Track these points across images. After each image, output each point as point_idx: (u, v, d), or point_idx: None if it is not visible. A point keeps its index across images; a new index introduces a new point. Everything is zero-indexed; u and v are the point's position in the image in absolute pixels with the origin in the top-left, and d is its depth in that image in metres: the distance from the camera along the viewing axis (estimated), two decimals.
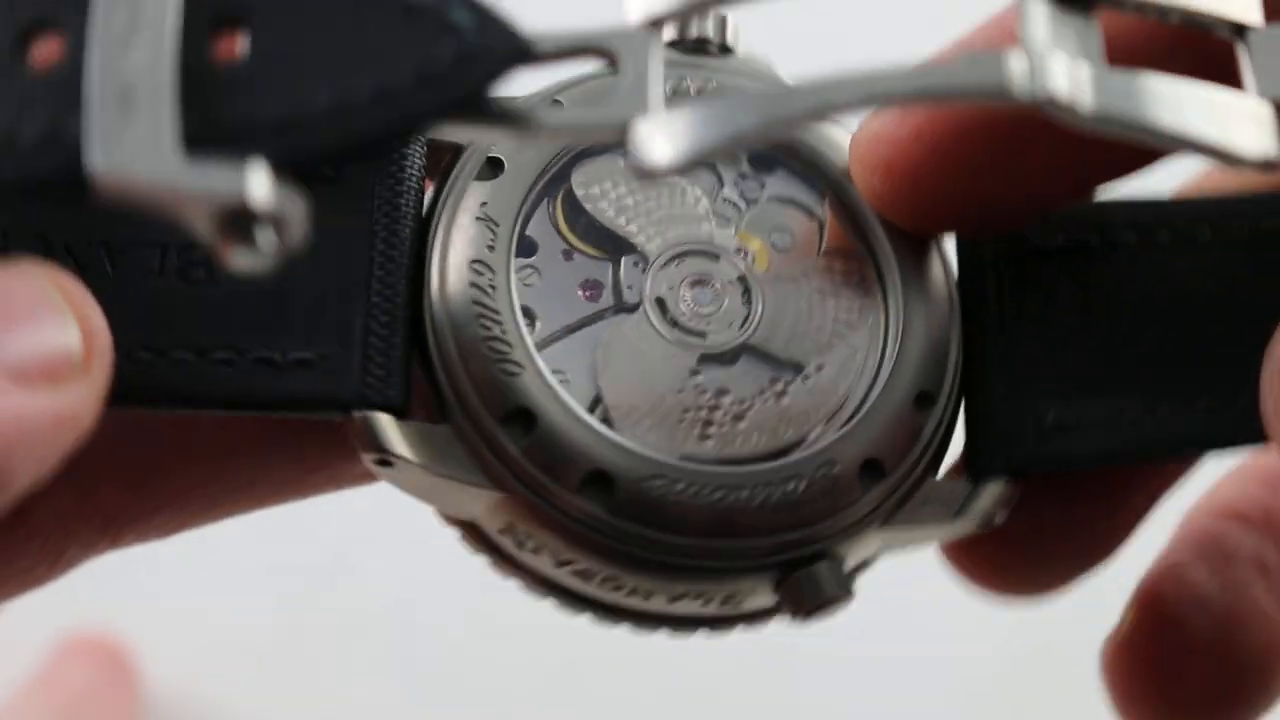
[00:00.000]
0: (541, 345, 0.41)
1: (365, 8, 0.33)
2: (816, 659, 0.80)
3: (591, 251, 0.43)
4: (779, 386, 0.42)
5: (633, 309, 0.42)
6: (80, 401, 0.37)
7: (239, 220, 0.31)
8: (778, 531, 0.40)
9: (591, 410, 0.41)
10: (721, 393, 0.42)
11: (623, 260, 0.43)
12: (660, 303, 0.42)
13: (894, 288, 0.43)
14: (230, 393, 0.39)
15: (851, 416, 0.41)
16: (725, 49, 0.43)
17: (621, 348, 0.42)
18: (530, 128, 0.36)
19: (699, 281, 0.42)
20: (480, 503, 0.41)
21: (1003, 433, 0.42)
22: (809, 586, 0.41)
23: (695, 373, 0.42)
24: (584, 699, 0.81)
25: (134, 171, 0.31)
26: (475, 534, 0.42)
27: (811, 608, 0.41)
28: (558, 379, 0.41)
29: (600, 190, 0.43)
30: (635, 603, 0.42)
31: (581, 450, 0.40)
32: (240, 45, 0.33)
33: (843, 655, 0.79)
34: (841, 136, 0.44)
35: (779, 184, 0.44)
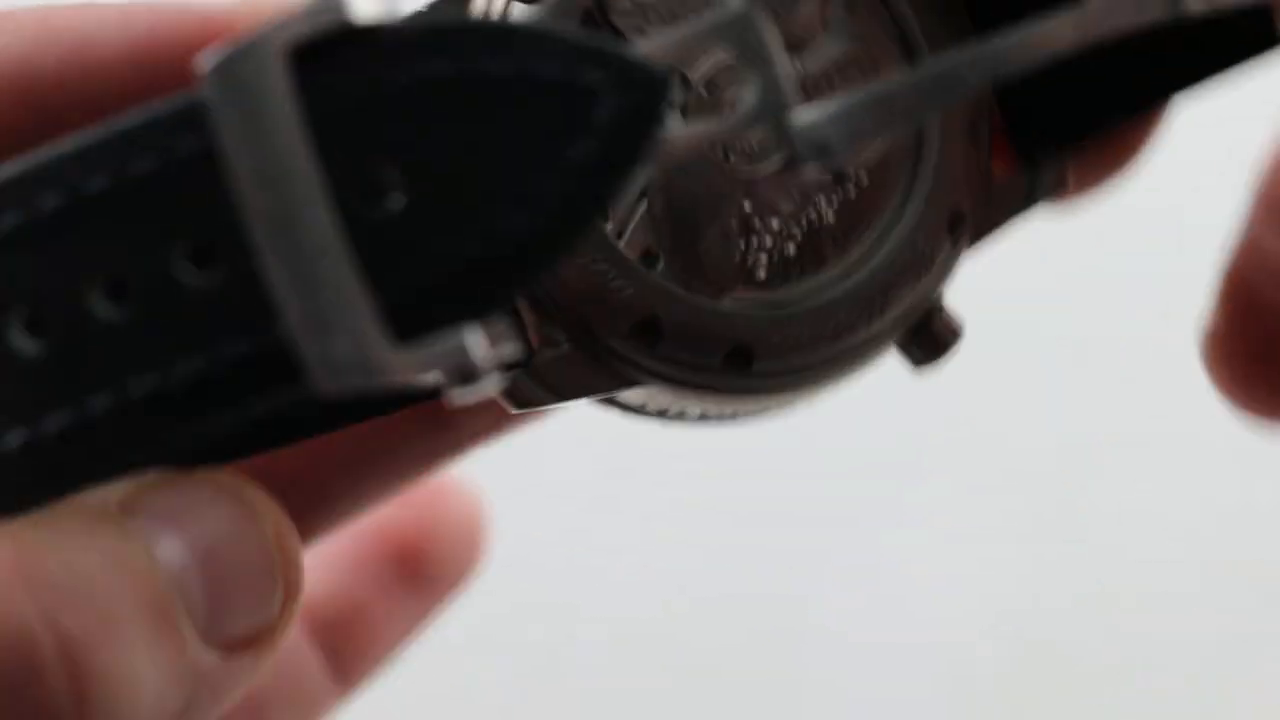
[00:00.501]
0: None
1: (502, 122, 0.32)
2: (821, 641, 0.80)
3: None
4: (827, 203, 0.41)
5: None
6: (267, 659, 0.36)
7: (465, 376, 0.31)
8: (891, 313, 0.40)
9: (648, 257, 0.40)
10: (777, 207, 0.40)
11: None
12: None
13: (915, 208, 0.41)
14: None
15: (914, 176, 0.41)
16: None
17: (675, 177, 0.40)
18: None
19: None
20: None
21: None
22: (929, 344, 0.41)
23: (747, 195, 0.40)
24: (587, 675, 0.82)
25: (359, 384, 0.31)
26: None
27: (934, 358, 0.42)
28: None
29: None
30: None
31: (715, 335, 0.40)
32: (393, 202, 0.32)
33: (849, 641, 0.79)
34: None
35: None
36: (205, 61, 0.31)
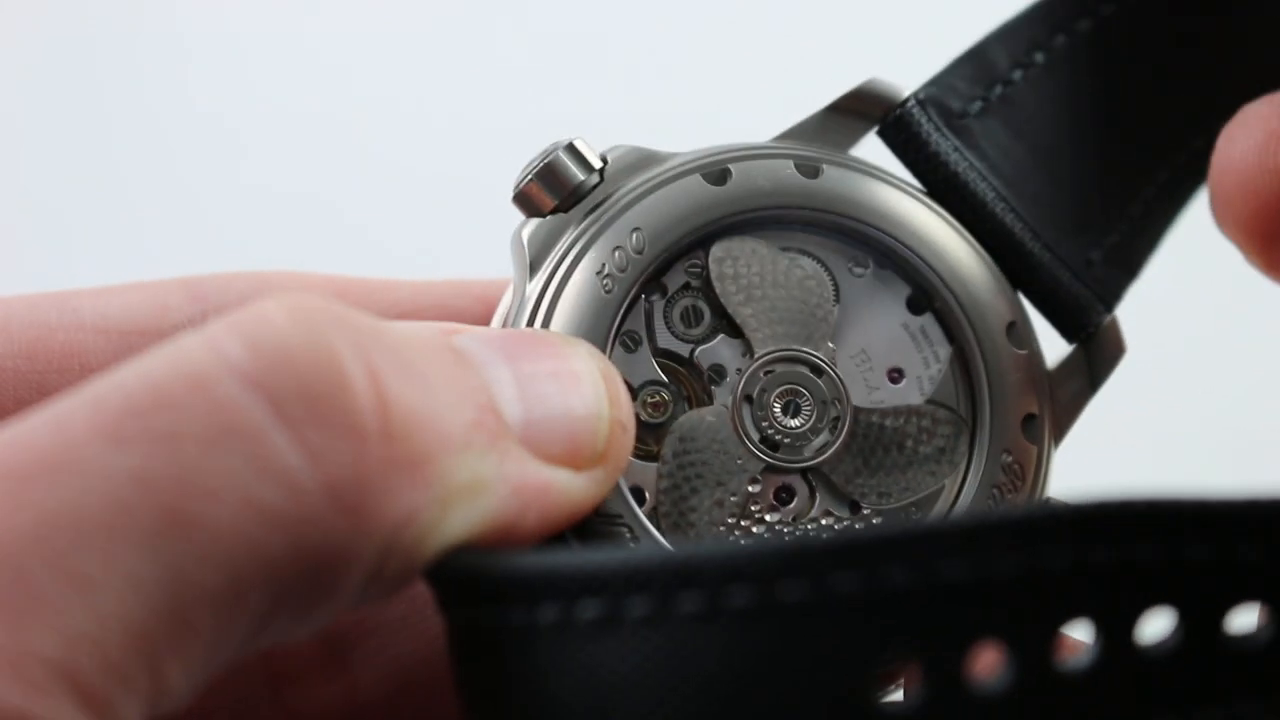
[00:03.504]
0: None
1: None
2: None
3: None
4: (829, 520, 0.42)
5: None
6: (584, 493, 0.39)
7: None
8: None
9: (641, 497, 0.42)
10: (773, 508, 0.42)
11: (726, 345, 0.43)
12: (749, 400, 0.42)
13: (978, 463, 0.43)
14: None
15: None
16: (600, 171, 0.43)
17: (695, 434, 0.42)
18: None
19: (792, 392, 0.42)
20: None
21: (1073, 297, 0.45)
22: None
23: (755, 480, 0.42)
24: None
25: None
26: None
27: None
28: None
29: (734, 270, 0.42)
30: None
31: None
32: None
33: None
34: (998, 304, 0.44)
35: (916, 320, 0.44)
36: None
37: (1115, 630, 0.32)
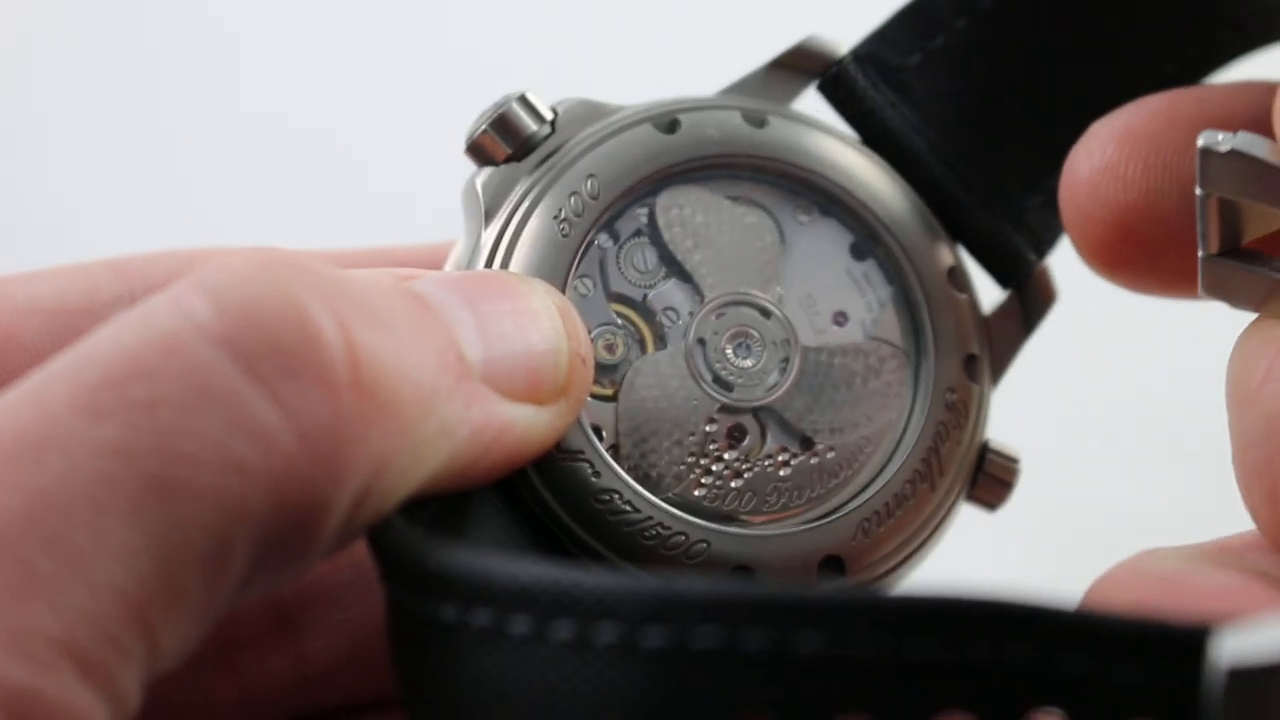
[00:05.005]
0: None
1: None
2: None
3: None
4: (784, 456, 0.44)
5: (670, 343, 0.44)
6: (548, 427, 0.40)
7: None
8: None
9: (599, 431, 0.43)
10: (729, 446, 0.43)
11: (678, 289, 0.44)
12: (701, 343, 0.43)
13: (924, 398, 0.44)
14: None
15: (833, 513, 0.43)
16: (551, 122, 0.44)
17: (651, 377, 0.43)
18: None
19: (742, 334, 0.43)
20: None
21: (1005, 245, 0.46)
22: (990, 484, 0.46)
23: (712, 420, 0.43)
24: None
25: None
26: None
27: (1002, 493, 0.46)
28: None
29: (681, 217, 0.44)
30: None
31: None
32: None
33: None
34: (938, 250, 0.45)
35: (859, 266, 0.45)
36: (1220, 656, 0.31)
37: None
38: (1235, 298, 0.42)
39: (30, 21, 1.04)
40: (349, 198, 1.01)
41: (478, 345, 0.38)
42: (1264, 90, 0.44)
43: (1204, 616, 0.33)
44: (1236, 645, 0.31)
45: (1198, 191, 0.40)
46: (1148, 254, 0.44)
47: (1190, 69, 0.46)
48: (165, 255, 0.46)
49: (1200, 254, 0.41)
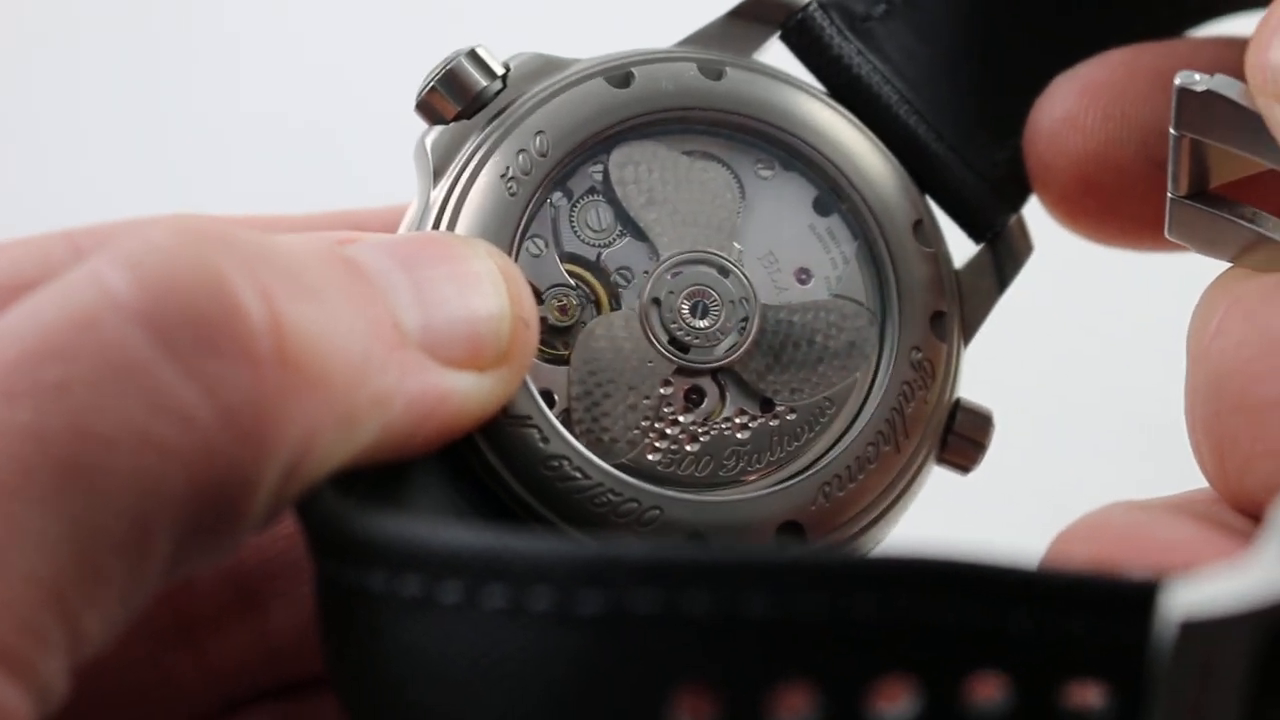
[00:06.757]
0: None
1: None
2: None
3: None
4: (743, 419, 0.42)
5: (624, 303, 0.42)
6: (490, 394, 0.38)
7: None
8: None
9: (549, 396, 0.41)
10: (685, 409, 0.42)
11: (633, 248, 0.43)
12: (656, 303, 0.42)
13: (888, 357, 0.43)
14: None
15: (793, 477, 0.42)
16: (502, 78, 0.42)
17: (604, 338, 0.42)
18: None
19: (699, 293, 0.42)
20: None
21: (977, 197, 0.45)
22: (962, 444, 0.44)
23: (667, 383, 0.42)
24: None
25: None
26: None
27: (974, 455, 0.45)
28: None
29: (634, 174, 0.42)
30: None
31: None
32: None
33: None
34: (904, 203, 0.44)
35: (823, 221, 0.43)
36: (1170, 609, 0.30)
37: (939, 688, 0.31)
38: (1200, 242, 0.41)
39: (30, 21, 1.04)
40: (348, 198, 1.00)
41: (415, 311, 0.37)
42: (1228, 45, 0.43)
43: (1156, 569, 0.31)
44: (1188, 597, 0.30)
45: (1171, 132, 0.40)
46: (1107, 203, 0.43)
47: (1159, 29, 0.45)
48: (121, 225, 0.45)
49: (1169, 195, 0.41)
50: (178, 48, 1.03)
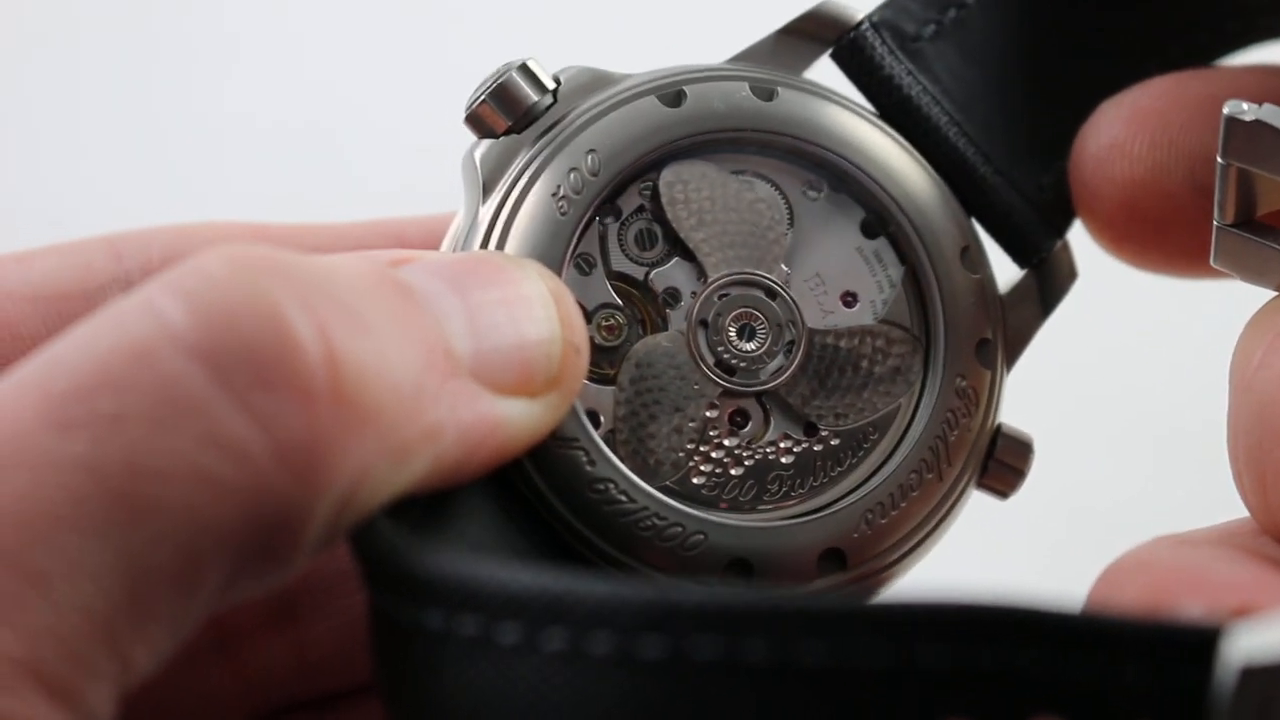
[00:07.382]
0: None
1: None
2: None
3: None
4: (787, 443, 0.42)
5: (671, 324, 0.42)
6: (540, 420, 0.38)
7: None
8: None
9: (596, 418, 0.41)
10: (730, 433, 0.42)
11: (681, 268, 0.42)
12: (703, 325, 0.42)
13: (933, 385, 0.43)
14: None
15: (836, 502, 0.42)
16: (553, 93, 0.42)
17: (651, 360, 0.41)
18: None
19: (746, 316, 0.42)
20: None
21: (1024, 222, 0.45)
22: (1002, 470, 0.44)
23: (713, 406, 0.42)
24: None
25: None
26: None
27: (1014, 480, 0.45)
28: None
29: (684, 194, 0.42)
30: None
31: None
32: None
33: None
34: (952, 228, 0.43)
35: (871, 244, 0.43)
36: (1231, 655, 0.31)
37: None
38: (1245, 270, 0.41)
39: (30, 21, 1.03)
40: (348, 198, 1.00)
41: (467, 338, 0.37)
42: (1271, 74, 0.44)
43: (1216, 613, 0.31)
44: (1250, 643, 0.30)
45: (1219, 160, 0.40)
46: (1153, 230, 0.43)
47: (1199, 53, 0.45)
48: (159, 231, 0.45)
49: (1215, 223, 0.41)
50: (177, 48, 1.03)
